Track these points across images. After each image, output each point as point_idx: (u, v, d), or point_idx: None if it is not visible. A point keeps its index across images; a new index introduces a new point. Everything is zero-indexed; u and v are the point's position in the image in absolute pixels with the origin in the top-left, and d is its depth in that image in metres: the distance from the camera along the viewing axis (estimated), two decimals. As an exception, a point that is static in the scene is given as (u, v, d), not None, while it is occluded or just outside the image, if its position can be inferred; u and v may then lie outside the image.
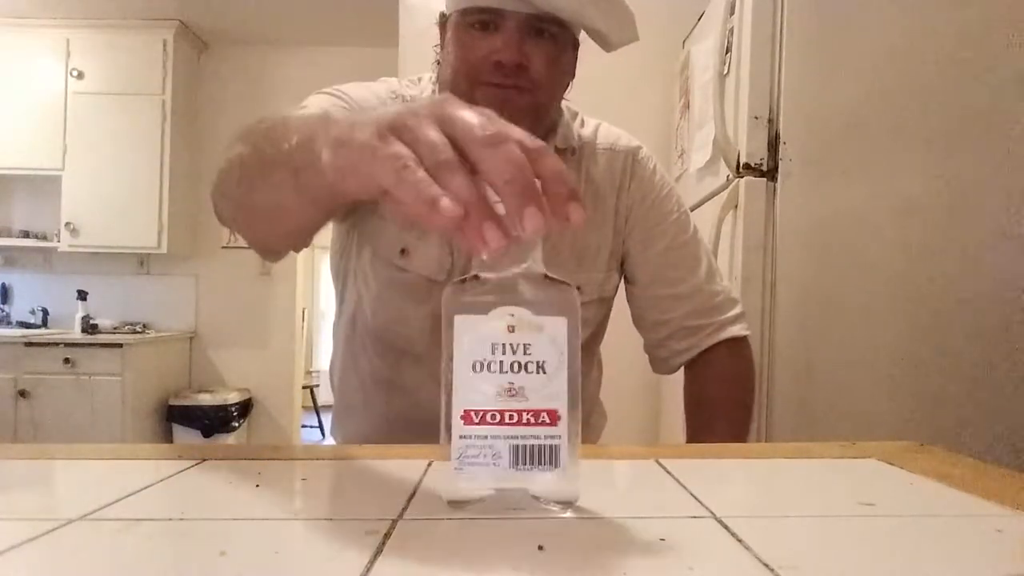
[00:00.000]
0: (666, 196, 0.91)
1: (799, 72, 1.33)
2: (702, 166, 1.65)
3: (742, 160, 1.37)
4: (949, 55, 1.06)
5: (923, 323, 1.13)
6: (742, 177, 1.38)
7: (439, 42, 0.83)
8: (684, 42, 1.93)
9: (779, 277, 1.34)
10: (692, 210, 1.75)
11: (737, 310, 0.91)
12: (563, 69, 0.80)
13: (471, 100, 0.78)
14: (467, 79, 0.76)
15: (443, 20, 0.82)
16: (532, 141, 0.36)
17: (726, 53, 1.47)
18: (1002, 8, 0.91)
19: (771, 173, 1.36)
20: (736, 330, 0.90)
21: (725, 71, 1.48)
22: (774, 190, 1.35)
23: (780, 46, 1.35)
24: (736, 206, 1.41)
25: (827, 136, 1.30)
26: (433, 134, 0.36)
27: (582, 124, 0.92)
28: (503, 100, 0.75)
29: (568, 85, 0.84)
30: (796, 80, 1.33)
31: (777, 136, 1.34)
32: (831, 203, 1.33)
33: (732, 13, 1.45)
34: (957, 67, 1.07)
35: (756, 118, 1.36)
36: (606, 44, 0.82)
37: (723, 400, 0.88)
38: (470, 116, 0.36)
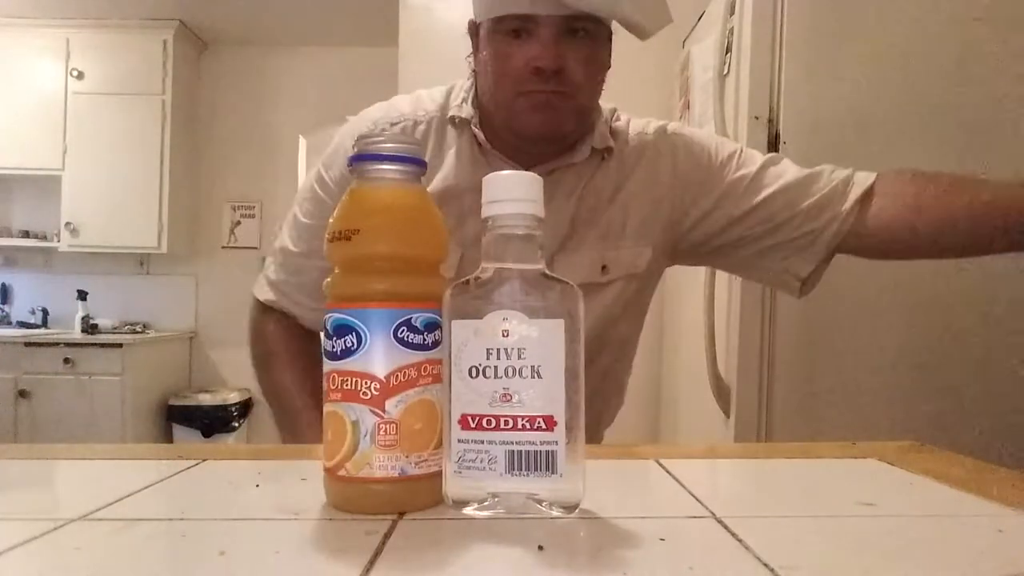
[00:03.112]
0: (716, 150, 0.87)
1: (799, 72, 1.33)
2: (702, 166, 1.65)
3: (742, 160, 1.37)
4: (949, 55, 1.06)
5: (923, 323, 1.13)
6: (742, 177, 1.38)
7: (472, 51, 0.82)
8: (684, 42, 1.93)
9: (779, 277, 1.34)
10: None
11: (848, 171, 0.84)
12: (601, 65, 0.79)
13: (513, 108, 0.78)
14: (508, 89, 0.76)
15: (473, 28, 0.81)
16: None
17: (726, 53, 1.47)
18: (1002, 9, 0.91)
19: (771, 173, 1.35)
20: (863, 178, 0.82)
21: (725, 71, 1.48)
22: (774, 190, 1.35)
23: (780, 46, 1.34)
24: (736, 206, 1.41)
25: (827, 136, 1.30)
26: None
27: (617, 119, 0.89)
28: (545, 105, 0.75)
29: (605, 79, 0.82)
30: (796, 80, 1.33)
31: (777, 136, 1.34)
32: (831, 203, 1.33)
33: (732, 13, 1.45)
34: (957, 67, 1.07)
35: (756, 118, 1.36)
36: (642, 33, 0.79)
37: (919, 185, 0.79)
38: None
